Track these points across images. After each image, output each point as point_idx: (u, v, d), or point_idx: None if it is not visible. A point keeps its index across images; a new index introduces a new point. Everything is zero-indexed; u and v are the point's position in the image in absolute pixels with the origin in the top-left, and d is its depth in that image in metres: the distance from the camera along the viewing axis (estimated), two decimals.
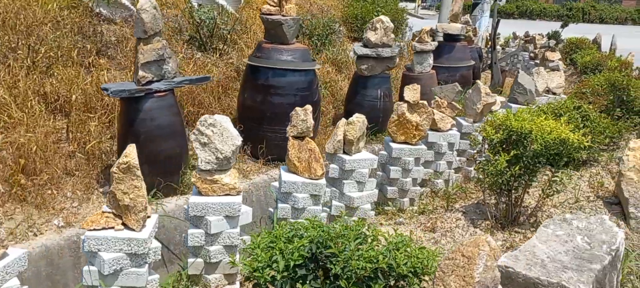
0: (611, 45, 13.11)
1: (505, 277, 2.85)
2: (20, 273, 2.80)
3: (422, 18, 29.50)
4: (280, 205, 4.14)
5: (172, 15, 8.52)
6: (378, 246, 3.09)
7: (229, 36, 8.31)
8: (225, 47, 8.31)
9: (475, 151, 4.91)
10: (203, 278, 3.65)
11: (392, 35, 7.49)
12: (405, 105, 5.09)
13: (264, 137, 6.29)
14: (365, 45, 7.44)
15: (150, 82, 5.13)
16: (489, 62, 11.55)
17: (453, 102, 5.71)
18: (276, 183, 4.29)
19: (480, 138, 4.75)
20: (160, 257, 3.21)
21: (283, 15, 6.21)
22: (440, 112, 5.67)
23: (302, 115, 4.11)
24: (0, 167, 4.96)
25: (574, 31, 16.13)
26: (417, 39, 8.57)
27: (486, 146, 4.61)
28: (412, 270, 2.84)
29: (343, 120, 4.73)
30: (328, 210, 4.76)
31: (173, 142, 5.27)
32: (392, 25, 7.44)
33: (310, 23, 9.86)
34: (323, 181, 4.13)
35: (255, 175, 6.18)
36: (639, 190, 4.85)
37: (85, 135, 5.79)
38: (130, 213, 3.04)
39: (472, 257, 2.00)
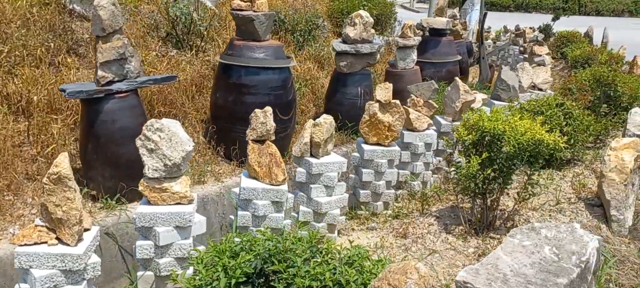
0: (603, 38, 12.90)
1: None
2: None
3: (418, 11, 29.18)
4: (240, 212, 3.92)
5: (149, 11, 8.29)
6: (333, 260, 2.88)
7: (205, 33, 8.08)
8: (203, 44, 8.08)
9: (448, 152, 4.69)
10: None
11: (372, 31, 7.26)
12: (377, 104, 4.87)
13: (237, 138, 6.06)
14: (344, 41, 7.22)
15: (111, 82, 4.91)
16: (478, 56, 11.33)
17: (429, 101, 5.49)
18: (237, 190, 4.07)
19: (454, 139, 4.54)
20: (99, 272, 3.00)
21: (254, 11, 5.98)
22: (416, 110, 5.45)
23: (262, 118, 3.89)
24: None
25: (568, 24, 15.89)
26: (399, 34, 8.34)
27: (460, 148, 4.40)
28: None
29: (310, 121, 4.51)
30: (296, 215, 4.56)
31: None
32: (371, 20, 7.21)
33: (292, 18, 9.63)
34: (285, 187, 3.92)
35: (228, 177, 5.97)
36: (621, 191, 4.65)
37: (50, 137, 5.58)
38: (64, 227, 2.82)
39: (398, 287, 1.79)
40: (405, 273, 1.80)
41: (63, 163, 2.74)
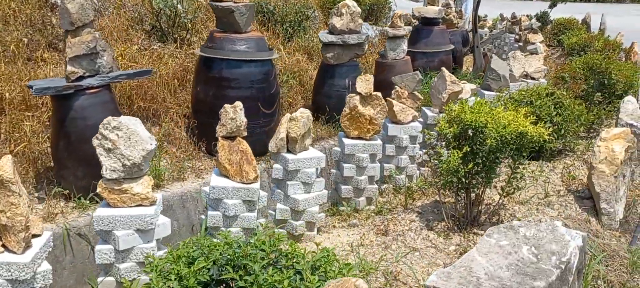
0: (601, 24, 12.65)
1: None
2: None
3: (417, 0, 28.81)
4: (210, 212, 3.75)
5: (132, 4, 8.10)
6: (298, 264, 2.71)
7: (190, 25, 7.89)
8: (188, 36, 7.90)
9: (429, 146, 4.52)
10: None
11: (360, 21, 7.06)
12: (358, 97, 4.69)
13: None
14: (331, 32, 7.03)
15: (81, 78, 4.73)
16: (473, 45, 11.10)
17: (415, 92, 5.30)
18: (207, 188, 3.90)
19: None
20: (51, 281, 2.83)
21: (234, 2, 5.78)
22: (401, 102, 5.27)
23: (231, 113, 3.72)
24: None
25: (566, 10, 15.61)
26: (389, 24, 8.14)
27: (443, 142, 4.22)
28: None
29: (287, 115, 4.33)
30: (273, 213, 4.39)
31: None
32: (359, 10, 7.01)
33: (282, 9, 9.42)
34: (257, 185, 3.75)
35: (208, 173, 5.79)
36: (611, 184, 4.47)
37: (23, 135, 5.41)
38: (9, 233, 2.66)
39: None
40: None
41: (5, 167, 2.57)
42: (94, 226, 3.19)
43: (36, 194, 5.01)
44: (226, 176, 3.79)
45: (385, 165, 5.33)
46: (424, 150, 5.51)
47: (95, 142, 3.15)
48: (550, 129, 4.15)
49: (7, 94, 5.47)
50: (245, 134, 3.82)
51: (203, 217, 3.92)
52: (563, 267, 2.72)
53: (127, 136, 3.15)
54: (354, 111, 4.70)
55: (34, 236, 2.81)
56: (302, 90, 8.08)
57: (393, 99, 5.30)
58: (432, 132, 4.39)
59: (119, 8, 7.89)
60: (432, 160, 4.33)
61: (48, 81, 4.83)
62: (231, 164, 3.74)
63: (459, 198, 4.25)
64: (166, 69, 6.86)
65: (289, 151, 4.32)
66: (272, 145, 4.31)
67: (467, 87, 5.71)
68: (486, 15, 15.11)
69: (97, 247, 3.19)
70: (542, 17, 13.46)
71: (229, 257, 2.60)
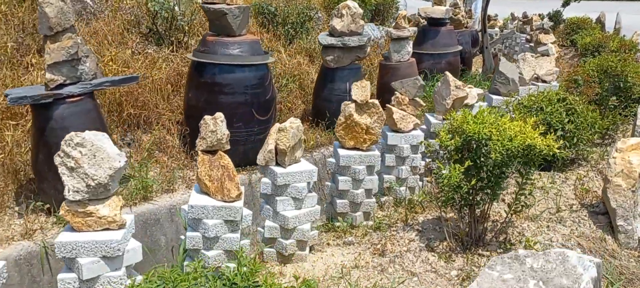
0: (616, 23, 12.21)
1: None
2: None
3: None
4: (189, 233, 3.46)
5: (129, 7, 7.84)
6: None
7: (188, 28, 7.62)
8: (185, 39, 7.63)
9: (427, 160, 4.19)
10: None
11: (362, 22, 6.74)
12: (353, 105, 4.38)
13: None
14: (331, 34, 6.72)
15: (61, 86, 4.47)
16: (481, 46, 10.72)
17: (416, 98, 4.98)
18: (186, 207, 3.61)
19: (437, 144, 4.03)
20: None
21: (227, 4, 5.50)
22: (401, 109, 4.94)
23: (212, 125, 3.42)
24: None
25: (579, 9, 15.13)
26: (393, 25, 7.81)
27: (443, 153, 3.89)
28: None
29: (276, 125, 4.03)
30: (262, 230, 4.09)
31: None
32: (360, 11, 6.70)
33: (284, 10, 9.12)
34: (239, 203, 3.45)
35: None
36: (628, 199, 4.12)
37: (5, 145, 5.17)
38: None
39: None
40: None
41: None
42: (56, 253, 2.90)
43: (17, 208, 4.76)
44: (207, 193, 3.50)
45: (384, 176, 5.02)
46: (427, 160, 5.19)
47: (57, 160, 2.86)
48: (562, 140, 3.80)
49: None
50: (227, 147, 3.52)
51: (182, 237, 3.63)
52: None
53: (92, 153, 2.86)
54: (350, 120, 4.39)
55: None
56: (302, 94, 7.78)
57: (393, 105, 4.98)
58: (432, 143, 4.07)
59: (115, 11, 7.64)
60: (433, 174, 4.01)
61: (26, 89, 4.57)
62: (211, 181, 3.45)
63: (462, 215, 3.93)
64: (159, 74, 6.59)
65: (278, 164, 4.02)
66: (260, 158, 4.02)
67: (474, 92, 5.37)
68: (497, 15, 14.70)
69: (60, 276, 2.91)
70: (555, 16, 13.04)
71: None
